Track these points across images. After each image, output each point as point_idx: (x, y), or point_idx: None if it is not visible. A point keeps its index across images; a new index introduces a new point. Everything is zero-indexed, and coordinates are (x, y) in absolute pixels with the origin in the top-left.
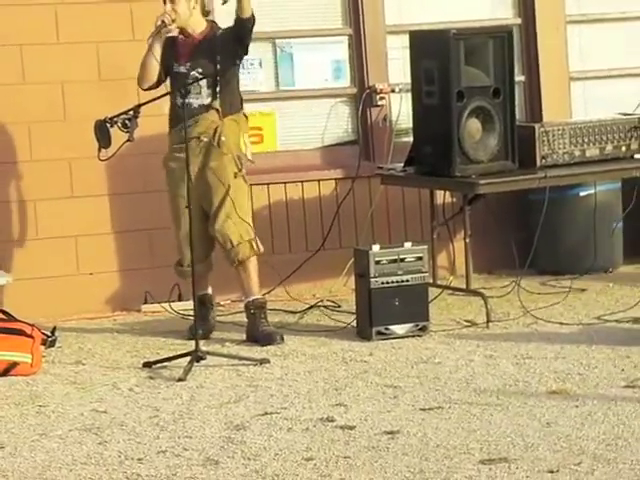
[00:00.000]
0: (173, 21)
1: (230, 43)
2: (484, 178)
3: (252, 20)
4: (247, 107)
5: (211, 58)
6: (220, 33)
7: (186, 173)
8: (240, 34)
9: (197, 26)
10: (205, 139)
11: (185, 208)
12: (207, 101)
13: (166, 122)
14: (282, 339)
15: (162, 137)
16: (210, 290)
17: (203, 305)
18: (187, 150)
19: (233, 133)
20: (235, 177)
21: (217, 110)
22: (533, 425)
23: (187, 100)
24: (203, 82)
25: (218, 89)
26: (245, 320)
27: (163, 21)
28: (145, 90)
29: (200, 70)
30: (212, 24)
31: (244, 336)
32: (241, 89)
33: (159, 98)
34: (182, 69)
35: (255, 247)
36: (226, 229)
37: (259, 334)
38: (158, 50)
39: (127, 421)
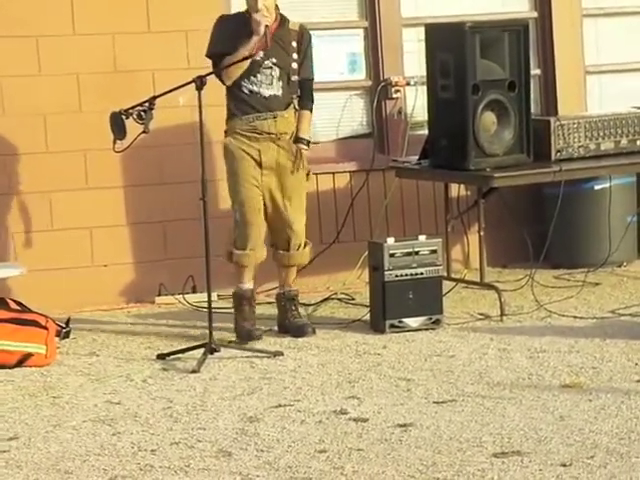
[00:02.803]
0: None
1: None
2: (499, 171)
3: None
4: None
5: (286, 50)
6: (304, 40)
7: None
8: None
9: (272, 15)
10: (282, 138)
11: (256, 188)
12: (279, 92)
13: (181, 114)
14: (314, 331)
15: (177, 129)
16: None
17: (250, 301)
18: (201, 136)
19: None
20: (307, 180)
21: (295, 109)
22: (546, 419)
23: (254, 88)
24: (275, 72)
25: (290, 82)
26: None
27: (267, 25)
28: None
29: (274, 60)
30: (280, 14)
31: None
32: None
33: (173, 90)
34: (256, 57)
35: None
36: (301, 230)
37: (291, 326)
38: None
39: (141, 412)
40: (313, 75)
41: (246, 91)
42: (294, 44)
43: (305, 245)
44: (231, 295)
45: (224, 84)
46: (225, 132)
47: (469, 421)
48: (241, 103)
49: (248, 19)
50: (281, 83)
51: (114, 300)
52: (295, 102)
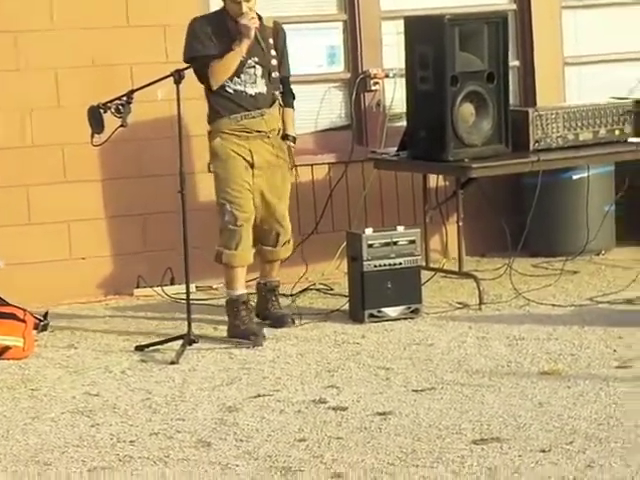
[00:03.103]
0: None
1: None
2: (477, 162)
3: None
4: None
5: (266, 48)
6: (280, 38)
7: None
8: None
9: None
10: (272, 135)
11: (247, 191)
12: (263, 90)
13: (160, 108)
14: (294, 321)
15: (155, 122)
16: None
17: (247, 304)
18: (179, 129)
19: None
20: (291, 175)
21: (280, 105)
22: (525, 405)
23: (239, 87)
24: (258, 71)
25: (271, 79)
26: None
27: (257, 27)
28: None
29: (256, 59)
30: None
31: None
32: None
33: (152, 84)
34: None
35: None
36: (289, 227)
37: (271, 316)
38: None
39: (119, 404)
40: (290, 72)
41: (230, 91)
42: (271, 41)
43: (290, 239)
44: (224, 304)
45: (209, 88)
46: (209, 133)
47: (448, 409)
48: (227, 102)
49: (225, 18)
50: (264, 81)
51: (92, 293)
52: (279, 98)
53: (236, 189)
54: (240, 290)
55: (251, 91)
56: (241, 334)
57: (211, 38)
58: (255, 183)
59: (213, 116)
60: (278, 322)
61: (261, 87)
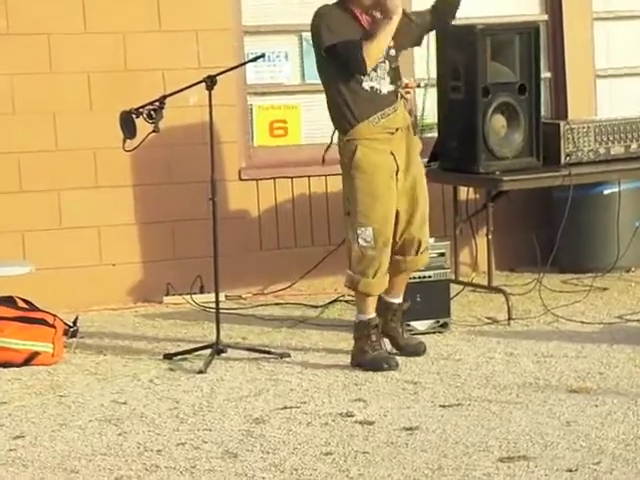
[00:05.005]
0: None
1: (416, 30)
2: (508, 175)
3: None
4: (272, 99)
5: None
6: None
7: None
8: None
9: None
10: (404, 130)
11: (392, 208)
12: (391, 87)
13: (192, 114)
14: (425, 350)
15: (187, 129)
16: None
17: (378, 329)
18: (211, 136)
19: None
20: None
21: (405, 99)
22: (553, 424)
23: (375, 85)
24: (386, 65)
25: (394, 72)
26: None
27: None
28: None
29: (384, 53)
30: None
31: (266, 329)
32: (266, 81)
33: (184, 90)
34: None
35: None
36: (423, 233)
37: (409, 344)
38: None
39: (147, 412)
40: None
41: (367, 88)
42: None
43: (426, 249)
44: (353, 326)
45: (356, 73)
46: (346, 142)
47: (475, 425)
48: (364, 102)
49: (348, 7)
50: (389, 79)
51: (122, 299)
52: (402, 92)
53: (385, 204)
54: (372, 313)
55: (384, 89)
56: (370, 361)
57: (343, 25)
58: (399, 189)
59: (347, 123)
60: (418, 351)
61: (389, 84)
